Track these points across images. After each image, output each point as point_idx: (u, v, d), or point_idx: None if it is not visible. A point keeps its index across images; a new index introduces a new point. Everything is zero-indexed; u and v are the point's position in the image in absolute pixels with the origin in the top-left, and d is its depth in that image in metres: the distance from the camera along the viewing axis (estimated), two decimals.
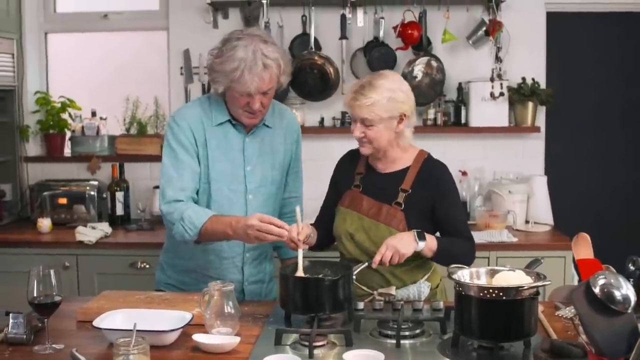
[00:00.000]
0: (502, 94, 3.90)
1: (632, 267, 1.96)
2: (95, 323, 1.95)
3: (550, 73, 4.08)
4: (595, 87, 4.22)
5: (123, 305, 2.17)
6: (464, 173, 4.02)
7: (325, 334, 1.96)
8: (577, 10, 4.12)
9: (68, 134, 4.28)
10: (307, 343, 1.87)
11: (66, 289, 3.01)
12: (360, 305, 2.22)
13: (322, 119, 4.11)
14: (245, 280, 2.50)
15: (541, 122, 4.08)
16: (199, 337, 1.92)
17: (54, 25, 4.35)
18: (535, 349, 1.72)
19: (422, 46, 3.91)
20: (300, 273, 2.16)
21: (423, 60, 3.92)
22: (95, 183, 4.03)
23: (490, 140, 4.08)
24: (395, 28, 3.89)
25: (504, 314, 1.80)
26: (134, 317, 1.88)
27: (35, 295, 1.90)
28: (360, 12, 3.91)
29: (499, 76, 3.91)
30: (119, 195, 4.00)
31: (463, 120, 4.03)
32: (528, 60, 4.03)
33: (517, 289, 1.79)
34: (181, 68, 4.14)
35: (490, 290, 1.80)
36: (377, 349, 1.83)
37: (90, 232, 3.61)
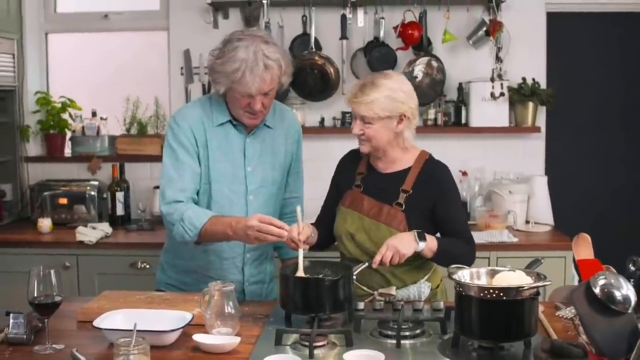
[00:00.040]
0: (502, 94, 3.90)
1: (632, 268, 1.96)
2: (96, 323, 1.95)
3: (551, 73, 4.08)
4: (595, 87, 4.22)
5: (123, 306, 2.17)
6: (464, 173, 4.02)
7: (326, 334, 1.96)
8: (577, 11, 4.12)
9: (68, 134, 4.28)
10: (307, 343, 1.87)
11: (66, 289, 3.01)
12: (361, 305, 2.22)
13: (323, 119, 4.11)
14: (245, 281, 2.50)
15: (541, 122, 4.08)
16: (199, 337, 1.92)
17: (54, 26, 4.36)
18: (535, 349, 1.72)
19: (422, 46, 3.91)
20: (300, 273, 2.16)
21: (423, 60, 3.92)
22: (96, 183, 4.03)
23: (491, 141, 4.08)
24: (395, 28, 3.89)
25: (504, 314, 1.80)
26: (134, 317, 1.88)
27: (35, 295, 1.90)
28: (360, 12, 3.92)
29: (500, 76, 3.91)
30: (119, 195, 4.01)
31: (463, 121, 4.03)
32: (528, 60, 4.03)
33: (518, 289, 1.79)
34: (181, 68, 4.15)
35: (491, 291, 1.80)
36: (378, 349, 1.83)
37: (91, 232, 3.61)
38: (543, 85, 4.01)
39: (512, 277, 1.88)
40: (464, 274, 1.95)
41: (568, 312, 2.14)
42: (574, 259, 2.39)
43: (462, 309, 1.86)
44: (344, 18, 3.91)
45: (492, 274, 1.95)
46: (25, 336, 1.95)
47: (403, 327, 2.00)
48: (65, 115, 4.24)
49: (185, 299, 2.26)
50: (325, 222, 2.49)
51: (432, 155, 2.42)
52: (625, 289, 1.66)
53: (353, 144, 2.44)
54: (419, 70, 3.90)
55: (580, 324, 1.69)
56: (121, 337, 1.64)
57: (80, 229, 3.65)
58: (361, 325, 2.06)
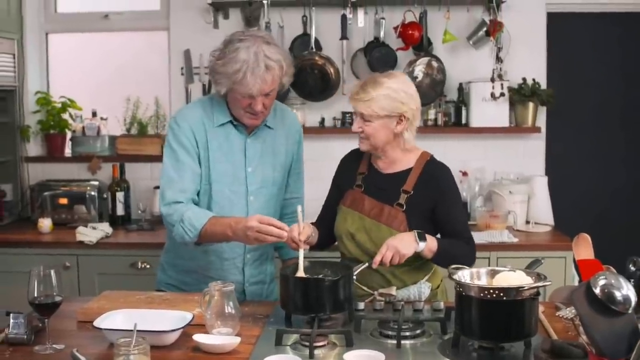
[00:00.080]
0: (502, 94, 3.90)
1: (632, 268, 1.96)
2: (96, 323, 1.95)
3: (551, 73, 4.08)
4: (595, 87, 4.22)
5: (123, 306, 2.17)
6: (465, 173, 4.02)
7: (326, 334, 1.96)
8: (577, 11, 4.12)
9: (69, 134, 4.28)
10: (307, 343, 1.87)
11: (67, 289, 3.02)
12: (361, 305, 2.22)
13: (323, 119, 4.11)
14: (246, 282, 2.50)
15: (542, 122, 4.08)
16: (199, 338, 1.92)
17: (54, 26, 4.36)
18: (535, 349, 1.72)
19: (422, 46, 3.91)
20: (300, 273, 2.16)
21: (424, 60, 3.92)
22: (96, 183, 4.03)
23: (491, 141, 4.08)
24: (395, 28, 3.89)
25: (504, 314, 1.80)
26: (135, 317, 1.88)
27: (35, 295, 1.90)
28: (360, 13, 3.92)
29: (500, 76, 3.91)
30: (120, 195, 4.01)
31: (464, 121, 4.03)
32: (528, 60, 4.03)
33: (518, 290, 1.79)
34: (182, 68, 4.15)
35: (491, 291, 1.80)
36: (378, 349, 1.83)
37: (91, 232, 3.61)
38: (543, 85, 4.01)
39: (513, 278, 1.88)
40: (464, 274, 1.95)
41: (568, 312, 2.14)
42: (574, 259, 2.39)
43: (463, 309, 1.86)
44: (344, 18, 3.91)
45: (493, 274, 1.95)
46: (25, 336, 1.95)
47: (403, 327, 2.00)
48: (65, 115, 4.24)
49: (185, 299, 2.26)
50: (326, 221, 2.49)
51: (434, 157, 2.42)
52: (625, 289, 1.66)
53: (353, 144, 2.44)
54: (419, 70, 3.90)
55: (581, 324, 1.69)
56: (121, 337, 1.64)
57: (81, 229, 3.65)
58: (361, 326, 2.06)
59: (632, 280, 1.85)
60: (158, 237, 3.50)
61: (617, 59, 4.21)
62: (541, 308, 2.11)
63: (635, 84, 4.22)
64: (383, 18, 3.94)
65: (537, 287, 1.83)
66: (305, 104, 4.05)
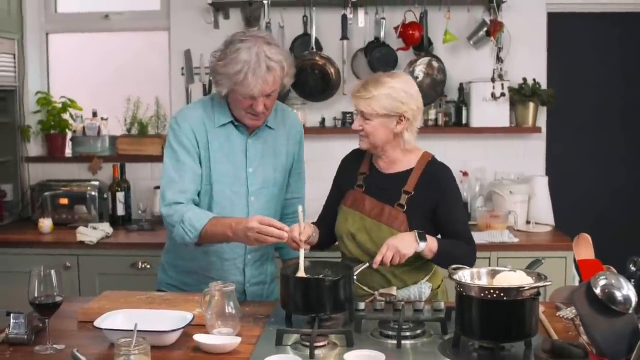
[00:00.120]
0: (503, 94, 3.90)
1: (633, 268, 1.96)
2: (96, 323, 1.95)
3: (551, 73, 4.08)
4: (595, 87, 4.22)
5: (124, 306, 2.17)
6: (465, 173, 4.02)
7: (326, 334, 1.96)
8: (577, 11, 4.13)
9: (69, 134, 4.28)
10: (308, 343, 1.87)
11: (67, 289, 3.02)
12: (361, 305, 2.22)
13: (323, 119, 4.11)
14: (246, 282, 2.50)
15: (542, 122, 4.08)
16: (199, 338, 1.92)
17: (55, 26, 4.36)
18: (536, 349, 1.72)
19: (423, 46, 3.91)
20: (301, 273, 2.16)
21: (424, 60, 3.92)
22: (96, 183, 4.03)
23: (491, 141, 4.08)
24: (396, 28, 3.89)
25: (504, 314, 1.80)
26: (135, 317, 1.88)
27: (36, 295, 1.90)
28: (361, 13, 3.92)
29: (500, 76, 3.91)
30: (120, 195, 4.01)
31: (464, 121, 4.03)
32: (529, 60, 4.03)
33: (518, 290, 1.79)
34: (182, 68, 4.15)
35: (491, 291, 1.80)
36: (378, 349, 1.83)
37: (91, 233, 3.61)
38: (544, 85, 4.01)
39: (513, 278, 1.88)
40: (465, 274, 1.95)
41: (569, 312, 2.14)
42: (574, 259, 2.38)
43: (463, 309, 1.86)
44: (344, 18, 3.91)
45: (493, 274, 1.95)
46: (25, 336, 1.95)
47: (404, 327, 2.00)
48: (65, 116, 4.24)
49: (185, 299, 2.26)
50: (326, 221, 2.49)
51: (435, 157, 2.42)
52: (625, 289, 1.66)
53: (354, 144, 2.44)
54: (419, 70, 3.90)
55: (581, 324, 1.69)
56: (122, 337, 1.64)
57: (81, 229, 3.65)
58: (362, 326, 2.06)
59: (632, 280, 1.85)
60: (158, 237, 3.50)
61: (617, 59, 4.21)
62: (541, 308, 2.11)
63: (635, 84, 4.22)
64: (383, 18, 3.94)
65: (538, 287, 1.83)
66: (305, 104, 4.05)
